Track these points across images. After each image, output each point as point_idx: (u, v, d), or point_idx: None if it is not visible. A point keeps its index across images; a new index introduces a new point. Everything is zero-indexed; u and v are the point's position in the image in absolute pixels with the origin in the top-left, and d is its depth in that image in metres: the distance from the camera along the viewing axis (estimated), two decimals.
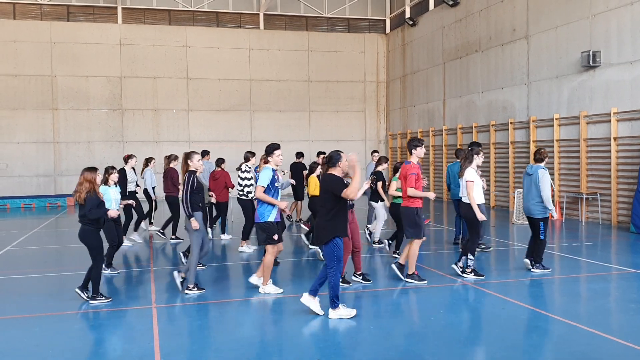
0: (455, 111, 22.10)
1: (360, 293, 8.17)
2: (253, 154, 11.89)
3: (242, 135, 26.12)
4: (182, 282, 8.14)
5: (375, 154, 13.08)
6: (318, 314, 6.83)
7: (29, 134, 23.98)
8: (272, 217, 7.99)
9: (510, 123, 18.59)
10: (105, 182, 9.51)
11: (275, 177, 8.07)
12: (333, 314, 6.74)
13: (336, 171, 6.87)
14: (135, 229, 13.26)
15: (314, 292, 6.90)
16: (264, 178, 7.91)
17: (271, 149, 8.16)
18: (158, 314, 7.19)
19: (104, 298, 7.70)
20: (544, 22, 17.12)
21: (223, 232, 13.35)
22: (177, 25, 25.50)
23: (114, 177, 9.60)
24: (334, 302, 6.74)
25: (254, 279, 8.30)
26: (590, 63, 15.01)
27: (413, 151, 8.59)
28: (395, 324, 6.70)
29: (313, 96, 26.98)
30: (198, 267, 9.08)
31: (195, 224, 8.06)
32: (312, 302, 6.89)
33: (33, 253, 12.32)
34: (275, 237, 8.00)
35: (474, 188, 8.69)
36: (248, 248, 11.50)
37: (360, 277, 8.63)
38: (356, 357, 5.67)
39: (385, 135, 28.15)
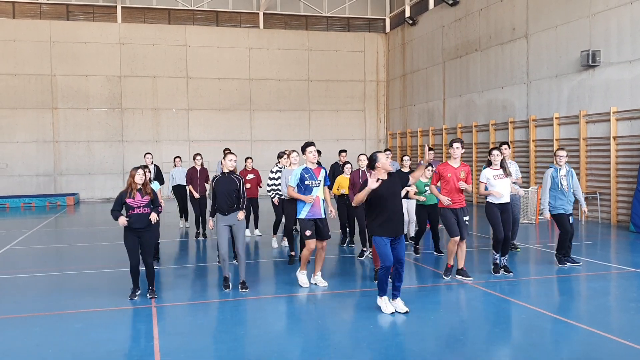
0: (455, 110, 22.10)
1: (360, 292, 8.17)
2: (282, 154, 11.92)
3: (242, 134, 26.12)
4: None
5: (362, 156, 12.93)
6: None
7: (29, 133, 23.98)
8: (303, 214, 8.28)
9: (510, 122, 18.59)
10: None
11: (306, 176, 8.26)
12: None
13: (376, 172, 7.02)
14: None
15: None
16: (293, 178, 8.34)
17: (304, 146, 8.40)
18: (158, 314, 7.19)
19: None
20: (544, 21, 17.12)
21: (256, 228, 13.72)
22: (177, 24, 25.49)
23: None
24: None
25: (314, 279, 8.57)
26: (590, 62, 15.01)
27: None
28: (396, 323, 6.70)
29: (313, 95, 26.98)
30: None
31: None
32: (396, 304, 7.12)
33: (32, 252, 12.32)
34: (307, 233, 8.27)
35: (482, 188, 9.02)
36: (275, 243, 12.08)
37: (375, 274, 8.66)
38: (356, 357, 5.66)
39: (385, 135, 28.15)
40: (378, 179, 6.84)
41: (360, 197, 6.89)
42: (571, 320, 6.67)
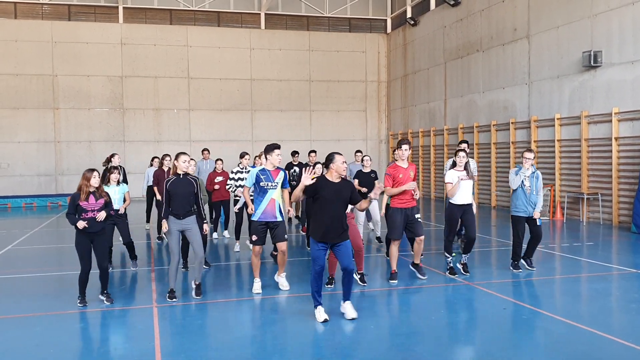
0: (457, 111, 22.09)
1: (360, 292, 8.17)
2: (245, 154, 11.97)
3: (243, 134, 26.13)
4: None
5: (359, 154, 12.95)
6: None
7: (30, 133, 24.00)
8: (256, 216, 8.12)
9: (512, 123, 18.58)
10: (107, 181, 9.55)
11: (262, 177, 8.07)
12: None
13: (328, 174, 6.79)
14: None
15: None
16: (249, 179, 8.16)
17: (270, 148, 8.16)
18: (159, 314, 7.19)
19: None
20: (545, 21, 17.11)
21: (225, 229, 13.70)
22: (178, 24, 25.50)
23: (114, 177, 9.59)
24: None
25: (276, 278, 8.49)
26: (592, 63, 14.99)
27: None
28: (396, 323, 6.70)
29: (314, 96, 26.98)
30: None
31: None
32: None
33: (34, 252, 12.33)
34: (253, 237, 8.10)
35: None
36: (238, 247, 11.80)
37: (359, 277, 8.63)
38: (356, 357, 5.66)
39: (386, 135, 28.14)
40: (314, 178, 6.63)
41: (296, 194, 6.69)
42: (572, 321, 6.66)
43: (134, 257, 9.99)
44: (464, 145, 10.79)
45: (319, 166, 11.18)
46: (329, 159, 6.78)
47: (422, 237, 8.65)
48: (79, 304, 7.52)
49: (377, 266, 10.07)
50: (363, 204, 6.93)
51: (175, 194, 7.72)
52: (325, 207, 6.61)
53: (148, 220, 14.96)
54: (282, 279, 8.38)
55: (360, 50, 27.53)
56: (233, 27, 26.16)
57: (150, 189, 14.03)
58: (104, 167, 13.33)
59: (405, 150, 8.52)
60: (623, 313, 7.12)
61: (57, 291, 8.60)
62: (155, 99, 25.18)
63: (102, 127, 24.75)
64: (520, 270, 9.22)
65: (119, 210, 9.46)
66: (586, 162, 15.62)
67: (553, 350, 5.77)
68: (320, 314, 6.68)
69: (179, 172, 7.82)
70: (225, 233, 13.55)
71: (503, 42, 19.15)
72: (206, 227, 8.06)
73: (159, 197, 12.58)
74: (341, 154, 6.84)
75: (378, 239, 12.08)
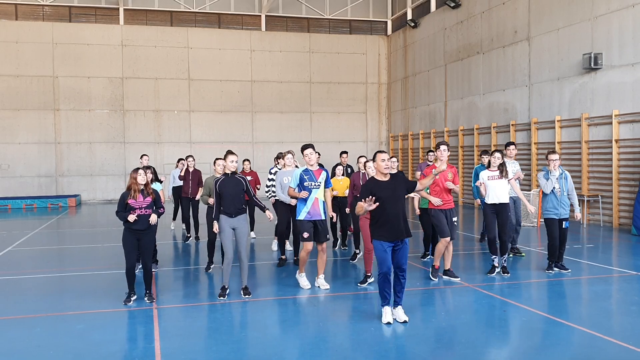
0: (457, 113, 22.10)
1: (362, 294, 8.17)
2: (279, 156, 11.90)
3: (243, 136, 26.14)
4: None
5: (362, 158, 12.89)
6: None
7: (31, 134, 24.02)
8: (302, 215, 8.28)
9: (512, 125, 18.58)
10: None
11: (305, 177, 8.23)
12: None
13: (377, 174, 6.87)
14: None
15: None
16: (293, 179, 8.36)
17: (302, 148, 8.37)
18: (159, 315, 7.19)
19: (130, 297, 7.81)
20: (546, 23, 17.12)
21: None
22: (179, 26, 25.53)
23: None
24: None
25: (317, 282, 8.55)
26: (592, 65, 15.00)
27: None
28: (397, 325, 6.69)
29: (314, 97, 27.00)
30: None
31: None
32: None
33: (34, 254, 12.32)
34: (305, 235, 8.23)
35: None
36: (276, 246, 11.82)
37: (362, 278, 8.66)
38: (357, 359, 5.66)
39: (386, 137, 28.16)
40: (376, 202, 6.55)
41: (358, 210, 6.68)
42: (573, 323, 6.66)
43: (155, 260, 10.01)
44: (511, 147, 10.83)
45: (339, 168, 11.31)
46: (373, 159, 6.92)
47: (451, 242, 8.80)
48: (124, 302, 7.67)
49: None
50: (424, 180, 7.19)
51: (225, 193, 7.85)
52: (384, 206, 6.61)
53: (174, 219, 15.15)
54: (321, 280, 8.49)
55: (360, 52, 27.54)
56: (233, 29, 26.19)
57: (175, 190, 14.33)
58: (177, 168, 13.67)
59: (444, 150, 8.60)
60: (623, 315, 7.11)
61: (57, 292, 8.60)
62: (155, 100, 25.19)
63: (103, 128, 24.76)
64: (553, 271, 9.28)
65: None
66: (586, 164, 15.62)
67: (554, 353, 5.76)
68: (387, 315, 6.71)
69: (227, 171, 8.01)
70: (252, 234, 13.49)
71: (503, 44, 19.16)
72: (269, 213, 8.11)
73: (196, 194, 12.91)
74: (385, 151, 6.92)
75: None
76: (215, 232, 8.03)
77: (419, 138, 24.66)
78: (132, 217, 7.51)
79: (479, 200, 11.41)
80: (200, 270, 10.11)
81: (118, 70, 24.80)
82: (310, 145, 8.36)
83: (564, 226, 9.21)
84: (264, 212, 8.06)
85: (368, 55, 27.70)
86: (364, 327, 6.58)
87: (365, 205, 6.50)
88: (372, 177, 6.91)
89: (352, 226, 12.48)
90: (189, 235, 13.38)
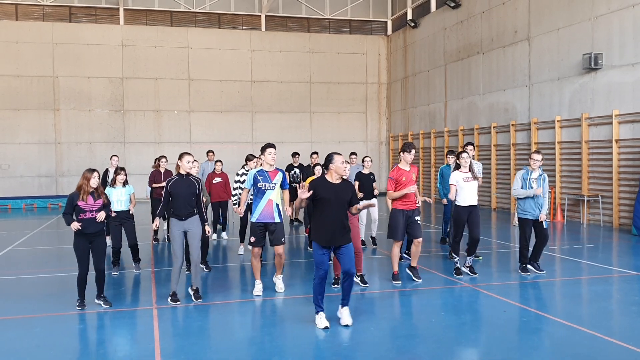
0: (457, 113, 22.10)
1: (361, 295, 8.17)
2: (252, 157, 11.86)
3: (243, 136, 26.14)
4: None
5: (353, 157, 12.89)
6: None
7: (31, 134, 24.02)
8: (254, 217, 8.08)
9: (512, 125, 18.58)
10: (112, 183, 9.55)
11: (259, 178, 8.04)
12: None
13: (328, 175, 6.63)
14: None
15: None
16: (247, 180, 8.17)
17: (264, 147, 8.15)
18: (159, 315, 7.19)
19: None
20: (546, 23, 17.12)
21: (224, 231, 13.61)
22: (179, 26, 25.53)
23: (120, 178, 9.57)
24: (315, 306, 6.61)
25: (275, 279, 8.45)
26: (592, 65, 15.00)
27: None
28: (396, 325, 6.69)
29: (314, 97, 26.99)
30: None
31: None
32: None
33: (34, 253, 12.33)
34: (251, 239, 8.06)
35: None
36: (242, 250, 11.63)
37: (359, 279, 8.64)
38: (356, 359, 5.66)
39: (386, 137, 28.15)
40: (309, 190, 6.40)
41: (297, 204, 6.58)
42: (573, 323, 6.65)
43: (137, 259, 9.94)
44: (469, 147, 10.80)
45: (318, 168, 11.18)
46: (328, 159, 6.62)
47: (420, 240, 8.67)
48: (77, 307, 7.47)
49: (375, 267, 10.06)
50: (353, 209, 6.76)
51: (176, 194, 7.57)
52: (326, 209, 6.45)
53: (154, 221, 14.91)
54: (278, 281, 8.34)
55: (360, 52, 27.54)
56: (233, 29, 26.19)
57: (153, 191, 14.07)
58: (153, 169, 13.41)
59: (414, 154, 8.59)
60: (624, 315, 7.11)
61: (57, 292, 8.60)
62: (155, 100, 25.19)
63: (103, 128, 24.76)
64: (529, 273, 9.18)
65: (129, 210, 9.51)
66: (586, 164, 15.62)
67: (554, 353, 5.76)
68: (322, 320, 6.50)
69: (182, 172, 7.69)
70: (224, 235, 13.52)
71: (503, 44, 19.16)
72: (208, 228, 7.97)
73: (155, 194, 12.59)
74: (340, 154, 6.70)
75: (373, 239, 12.07)
76: (155, 228, 7.82)
77: (419, 138, 24.65)
78: (75, 226, 7.18)
79: (445, 200, 11.43)
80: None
81: (118, 71, 24.80)
82: (273, 145, 8.12)
83: (544, 226, 9.14)
84: (203, 225, 7.80)
85: (368, 55, 27.69)
86: (364, 327, 6.58)
87: (300, 193, 6.33)
88: (323, 176, 6.67)
89: (308, 228, 12.36)
90: (156, 237, 13.09)
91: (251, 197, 8.33)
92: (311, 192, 6.41)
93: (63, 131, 24.36)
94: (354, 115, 27.59)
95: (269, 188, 8.02)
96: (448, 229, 11.77)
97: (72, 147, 24.49)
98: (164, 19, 25.50)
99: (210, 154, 15.31)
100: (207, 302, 7.85)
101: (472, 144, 11.12)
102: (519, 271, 9.27)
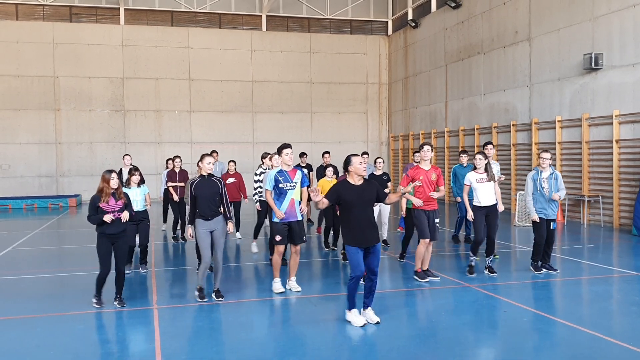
0: (458, 113, 22.10)
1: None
2: (266, 155, 11.82)
3: (244, 136, 26.15)
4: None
5: (366, 156, 12.87)
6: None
7: (32, 134, 24.04)
8: (277, 217, 8.14)
9: (513, 125, 18.58)
10: (127, 183, 9.54)
11: (280, 178, 8.10)
12: (347, 315, 6.74)
13: (349, 177, 6.66)
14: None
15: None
16: (268, 182, 8.19)
17: (280, 148, 8.24)
18: (159, 315, 7.19)
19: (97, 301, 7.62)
20: (546, 24, 17.11)
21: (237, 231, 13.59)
22: (180, 26, 25.54)
23: (135, 178, 9.57)
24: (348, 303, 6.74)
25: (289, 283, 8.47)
26: (593, 65, 14.99)
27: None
28: (398, 325, 6.69)
29: (315, 98, 26.99)
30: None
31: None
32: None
33: (34, 254, 12.33)
34: (277, 238, 8.11)
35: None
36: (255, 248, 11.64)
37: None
38: (358, 359, 5.66)
39: (387, 137, 28.15)
40: (341, 204, 6.48)
41: (320, 207, 6.57)
42: (573, 323, 6.65)
43: (145, 261, 9.97)
44: (488, 147, 10.78)
45: (330, 169, 11.24)
46: (347, 162, 6.64)
47: (432, 242, 8.81)
48: (94, 305, 7.53)
49: (381, 268, 10.04)
50: (392, 197, 6.94)
51: (200, 196, 7.70)
52: (354, 211, 6.48)
53: (165, 221, 15.01)
54: (293, 283, 8.41)
55: (361, 53, 27.54)
56: (234, 29, 26.19)
57: (166, 191, 14.13)
58: (167, 169, 13.43)
59: (427, 151, 8.61)
60: (624, 316, 7.11)
61: (57, 292, 8.61)
62: (156, 100, 25.20)
63: (103, 128, 24.77)
64: (542, 272, 9.23)
65: (145, 210, 9.52)
66: (587, 164, 15.61)
67: (554, 353, 5.76)
68: (356, 316, 6.62)
69: (204, 173, 7.84)
70: (237, 234, 13.46)
71: (504, 45, 19.15)
72: (231, 226, 8.00)
73: (176, 197, 12.76)
74: (358, 155, 6.76)
75: (384, 242, 12.01)
76: (190, 238, 7.87)
77: (420, 138, 24.64)
78: (108, 217, 7.27)
79: (459, 198, 11.48)
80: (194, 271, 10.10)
81: (119, 71, 24.81)
82: (289, 145, 8.21)
83: (551, 227, 9.16)
84: (226, 222, 7.88)
85: (369, 56, 27.69)
86: (364, 327, 6.58)
87: (313, 195, 6.34)
88: (345, 179, 6.69)
89: (320, 227, 12.33)
90: (174, 235, 13.22)
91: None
92: (325, 202, 6.49)
93: (63, 131, 24.37)
94: (355, 116, 27.59)
95: (290, 187, 8.15)
96: (460, 229, 12.39)
97: (72, 147, 24.50)
98: (165, 19, 25.51)
99: (215, 154, 15.24)
100: (207, 302, 7.85)
101: (491, 144, 10.97)
102: (531, 269, 9.34)
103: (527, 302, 7.66)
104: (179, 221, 13.12)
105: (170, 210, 13.64)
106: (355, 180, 6.61)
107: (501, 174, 11.13)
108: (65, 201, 22.95)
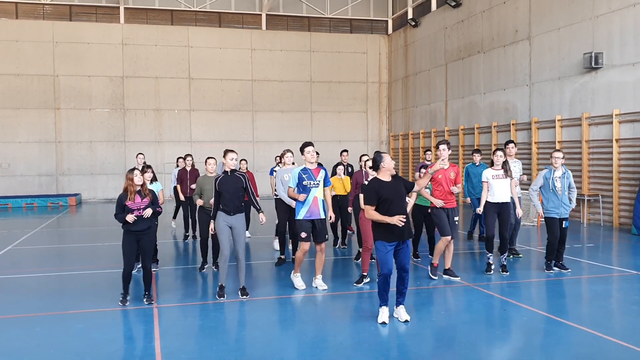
0: (458, 112, 22.09)
1: (362, 293, 8.17)
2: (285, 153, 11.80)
3: (244, 135, 26.14)
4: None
5: (365, 157, 12.82)
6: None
7: (31, 133, 24.03)
8: (301, 215, 8.21)
9: (513, 124, 18.57)
10: None
11: (304, 176, 8.17)
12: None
13: (380, 174, 6.77)
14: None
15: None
16: (292, 179, 8.28)
17: (302, 146, 8.31)
18: (159, 314, 7.19)
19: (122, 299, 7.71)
20: (547, 23, 17.11)
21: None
22: (180, 25, 25.53)
23: (148, 176, 9.57)
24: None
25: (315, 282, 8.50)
26: (593, 64, 14.99)
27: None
28: (397, 324, 6.69)
29: (315, 97, 26.99)
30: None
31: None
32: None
33: (34, 253, 12.33)
34: (303, 235, 8.18)
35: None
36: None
37: (358, 278, 8.67)
38: (357, 358, 5.66)
39: (387, 136, 28.15)
40: (380, 202, 6.58)
41: (376, 218, 6.59)
42: (573, 322, 6.65)
43: (155, 260, 9.94)
44: (510, 146, 10.77)
45: (340, 168, 11.40)
46: (378, 159, 6.77)
47: (452, 241, 8.84)
48: (120, 302, 7.57)
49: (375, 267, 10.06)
50: (420, 181, 7.14)
51: (225, 191, 7.78)
52: (391, 207, 6.59)
53: (175, 217, 15.07)
54: (319, 281, 8.44)
55: (361, 52, 27.53)
56: (234, 28, 26.18)
57: (176, 189, 14.14)
58: (178, 168, 13.53)
59: (444, 150, 8.64)
60: (624, 315, 7.11)
61: (57, 291, 8.61)
62: (156, 99, 25.19)
63: (103, 127, 24.77)
64: (553, 271, 9.25)
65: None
66: (587, 163, 15.61)
67: (554, 352, 5.76)
68: (384, 315, 6.68)
69: (227, 169, 7.95)
70: (247, 233, 13.40)
71: (504, 44, 19.15)
72: (263, 216, 8.02)
73: (181, 196, 12.94)
74: (386, 152, 6.93)
75: None
76: (212, 232, 7.95)
77: (420, 137, 24.65)
78: (130, 217, 7.41)
79: (469, 199, 11.53)
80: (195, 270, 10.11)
81: (119, 69, 24.80)
82: (310, 143, 8.32)
83: (563, 226, 9.19)
84: (259, 213, 7.98)
85: (369, 55, 27.68)
86: (364, 327, 6.58)
87: (393, 221, 6.43)
88: (376, 177, 6.82)
89: (351, 225, 12.51)
90: (187, 234, 13.37)
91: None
92: (404, 222, 6.54)
93: (63, 130, 24.36)
94: (355, 115, 27.59)
95: (313, 186, 8.21)
96: (475, 226, 12.52)
97: (72, 146, 24.49)
98: (165, 18, 25.49)
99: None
100: (207, 301, 7.85)
101: (513, 142, 10.95)
102: (544, 269, 9.34)
103: (527, 302, 7.66)
104: (189, 220, 13.20)
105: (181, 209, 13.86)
106: (387, 176, 6.76)
107: (523, 173, 11.10)
108: (65, 200, 22.95)
